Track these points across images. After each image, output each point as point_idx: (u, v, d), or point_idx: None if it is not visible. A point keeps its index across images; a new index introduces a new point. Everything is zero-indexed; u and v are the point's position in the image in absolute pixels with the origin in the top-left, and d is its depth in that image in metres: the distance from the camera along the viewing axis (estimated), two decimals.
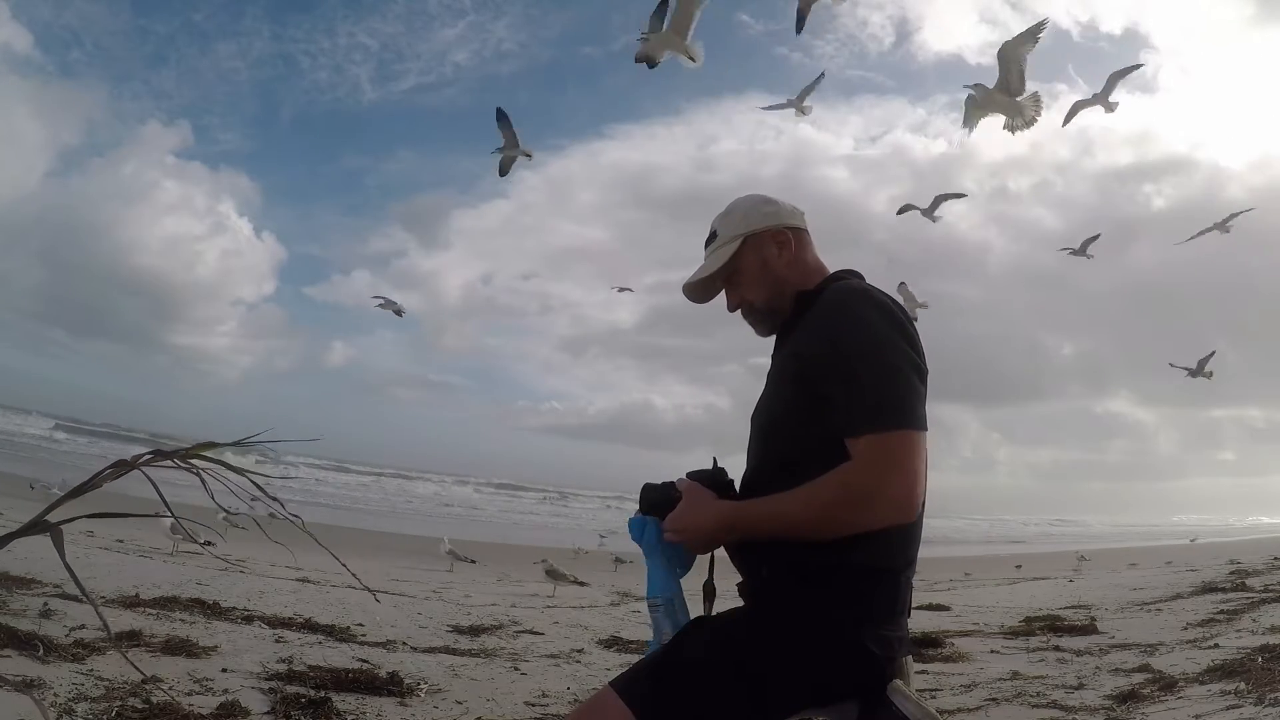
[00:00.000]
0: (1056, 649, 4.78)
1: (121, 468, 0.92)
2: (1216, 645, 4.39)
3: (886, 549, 1.34)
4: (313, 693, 3.19)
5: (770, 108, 7.90)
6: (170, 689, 2.95)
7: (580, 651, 4.77)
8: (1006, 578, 11.23)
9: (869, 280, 1.54)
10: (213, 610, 4.56)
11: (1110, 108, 7.05)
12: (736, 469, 1.50)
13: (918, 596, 1.64)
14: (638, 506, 1.49)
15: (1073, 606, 6.75)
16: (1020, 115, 5.20)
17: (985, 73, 5.22)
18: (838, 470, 1.29)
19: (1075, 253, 9.62)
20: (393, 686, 3.43)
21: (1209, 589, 7.24)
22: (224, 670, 3.41)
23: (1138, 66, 7.49)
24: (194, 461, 0.95)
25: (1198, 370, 10.60)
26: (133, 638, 3.63)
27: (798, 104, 7.55)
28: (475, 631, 5.10)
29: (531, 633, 5.25)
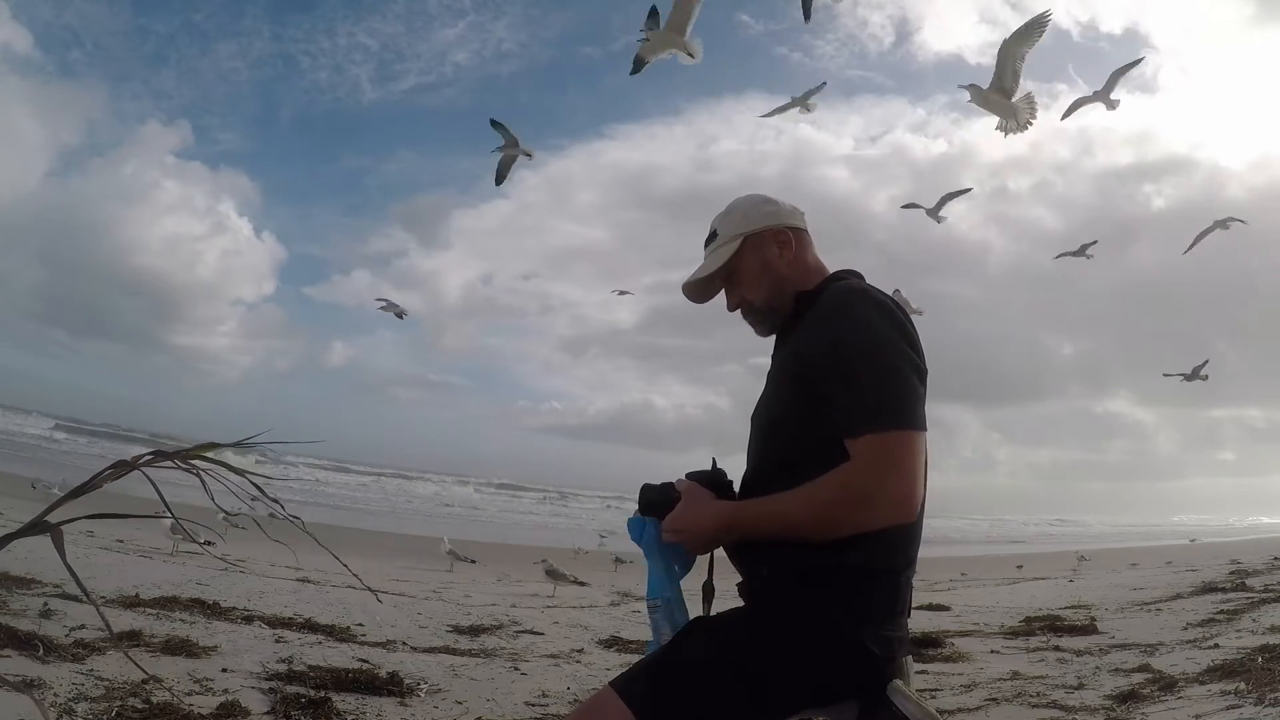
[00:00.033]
0: (1056, 649, 4.78)
1: (122, 468, 0.92)
2: (1216, 645, 4.39)
3: (886, 549, 1.34)
4: (313, 693, 3.19)
5: (774, 112, 7.84)
6: (171, 689, 2.95)
7: (580, 651, 4.77)
8: (1007, 578, 11.24)
9: (869, 280, 1.54)
10: (213, 610, 4.57)
11: (1112, 105, 7.04)
12: (736, 469, 1.50)
13: (918, 596, 1.64)
14: (636, 507, 1.49)
15: (1073, 606, 6.75)
16: (1014, 117, 5.19)
17: (986, 73, 5.21)
18: (837, 470, 1.29)
19: (1074, 254, 9.62)
20: (393, 686, 3.43)
21: (1209, 589, 7.24)
22: (224, 670, 3.41)
23: (1139, 61, 7.49)
24: (194, 462, 0.95)
25: (1192, 375, 10.64)
26: (133, 638, 3.63)
27: (802, 101, 7.54)
28: (475, 631, 5.10)
29: (531, 633, 5.26)
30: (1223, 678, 3.51)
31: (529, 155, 7.69)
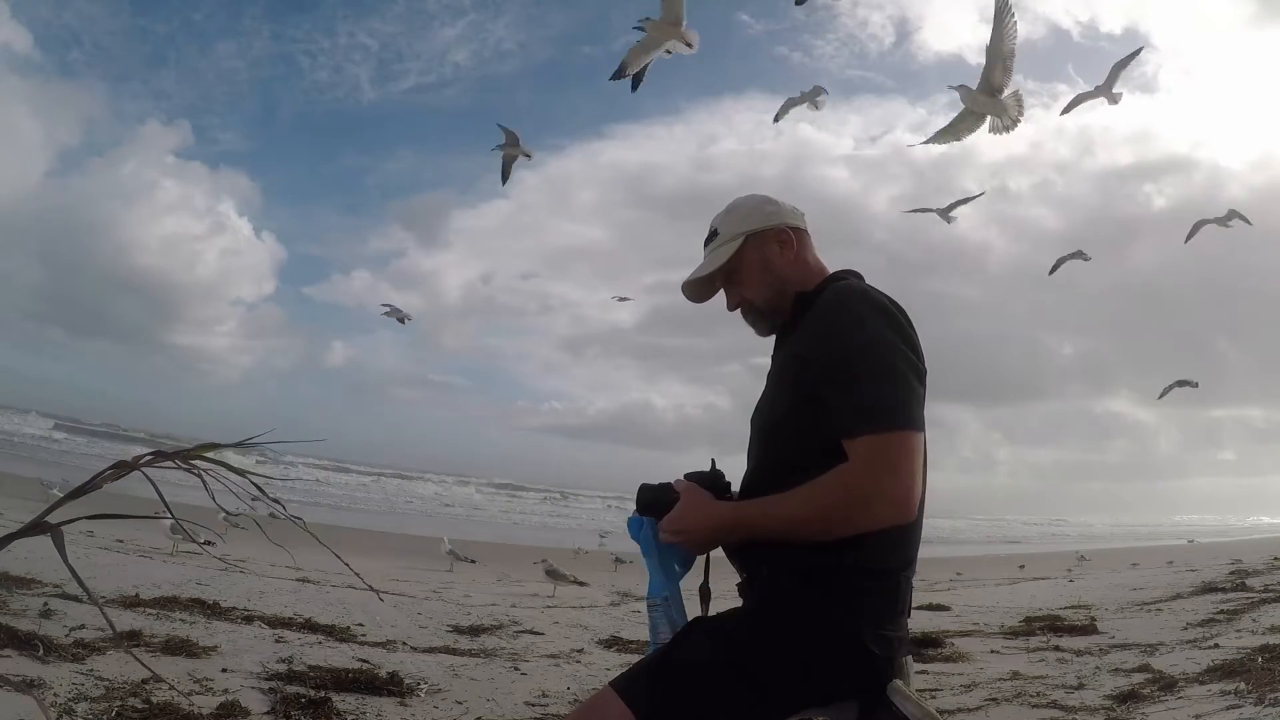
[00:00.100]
0: (1056, 649, 4.78)
1: (122, 468, 0.92)
2: (1216, 645, 4.39)
3: (886, 549, 1.34)
4: (313, 693, 3.19)
5: (784, 108, 7.80)
6: (174, 687, 2.95)
7: (580, 651, 4.77)
8: (1007, 578, 11.24)
9: (869, 280, 1.54)
10: (213, 610, 4.57)
11: (1114, 99, 7.02)
12: (736, 470, 1.50)
13: (918, 596, 1.64)
14: (635, 506, 1.49)
15: (1073, 606, 6.75)
16: (1005, 114, 5.20)
17: (983, 71, 5.21)
18: (836, 471, 1.30)
19: (1071, 257, 9.61)
20: (393, 686, 3.43)
21: (1209, 589, 7.24)
22: (224, 670, 3.41)
23: (1138, 52, 7.47)
24: (195, 462, 0.95)
25: (1184, 381, 10.68)
26: (133, 638, 3.63)
27: (810, 97, 7.54)
28: (475, 631, 5.10)
29: (531, 633, 5.26)
30: (1223, 678, 3.51)
31: (528, 156, 7.71)
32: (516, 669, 4.17)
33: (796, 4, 5.98)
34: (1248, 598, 6.39)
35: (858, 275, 1.56)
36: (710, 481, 1.46)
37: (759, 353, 1.63)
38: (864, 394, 1.31)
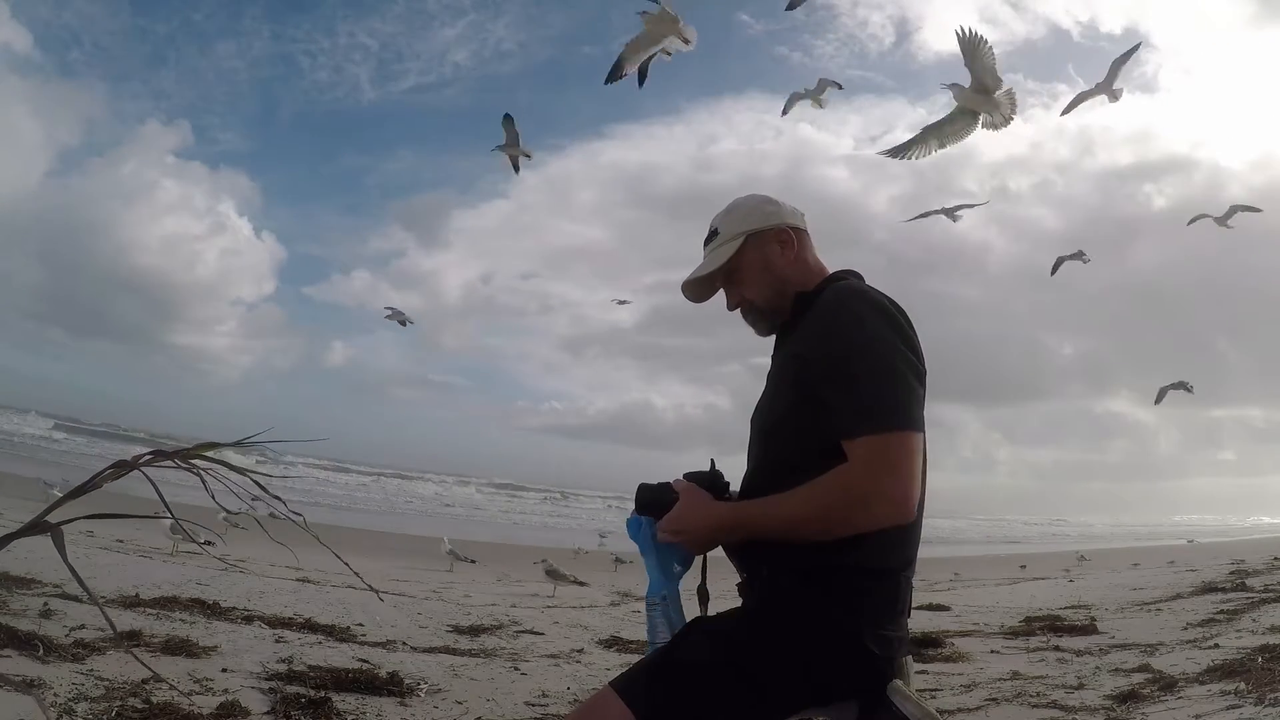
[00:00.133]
0: (1056, 649, 4.78)
1: (122, 468, 0.92)
2: (1216, 645, 4.39)
3: (886, 549, 1.34)
4: (313, 693, 3.19)
5: (788, 104, 7.82)
6: (175, 686, 2.95)
7: (580, 651, 4.77)
8: (1007, 578, 11.24)
9: (869, 280, 1.54)
10: (213, 610, 4.56)
11: (1114, 96, 7.01)
12: (736, 470, 1.50)
13: (918, 596, 1.64)
14: (634, 506, 1.49)
15: (1073, 606, 6.75)
16: (998, 111, 5.21)
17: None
18: (835, 472, 1.30)
19: (1071, 258, 9.61)
20: (393, 686, 3.43)
21: (1209, 589, 7.24)
22: (224, 670, 3.41)
23: (1137, 48, 7.46)
24: (195, 462, 0.95)
25: (1178, 384, 10.68)
26: (133, 638, 3.63)
27: (815, 95, 7.54)
28: (475, 631, 5.10)
29: (531, 633, 5.26)
30: (1223, 678, 3.51)
31: (528, 156, 7.72)
32: (516, 669, 4.17)
33: (788, 9, 6.00)
34: (1248, 598, 6.38)
35: (858, 275, 1.56)
36: (709, 481, 1.46)
37: (759, 353, 1.63)
38: (863, 394, 1.31)
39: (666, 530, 1.42)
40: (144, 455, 0.92)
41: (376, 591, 1.48)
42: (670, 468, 1.52)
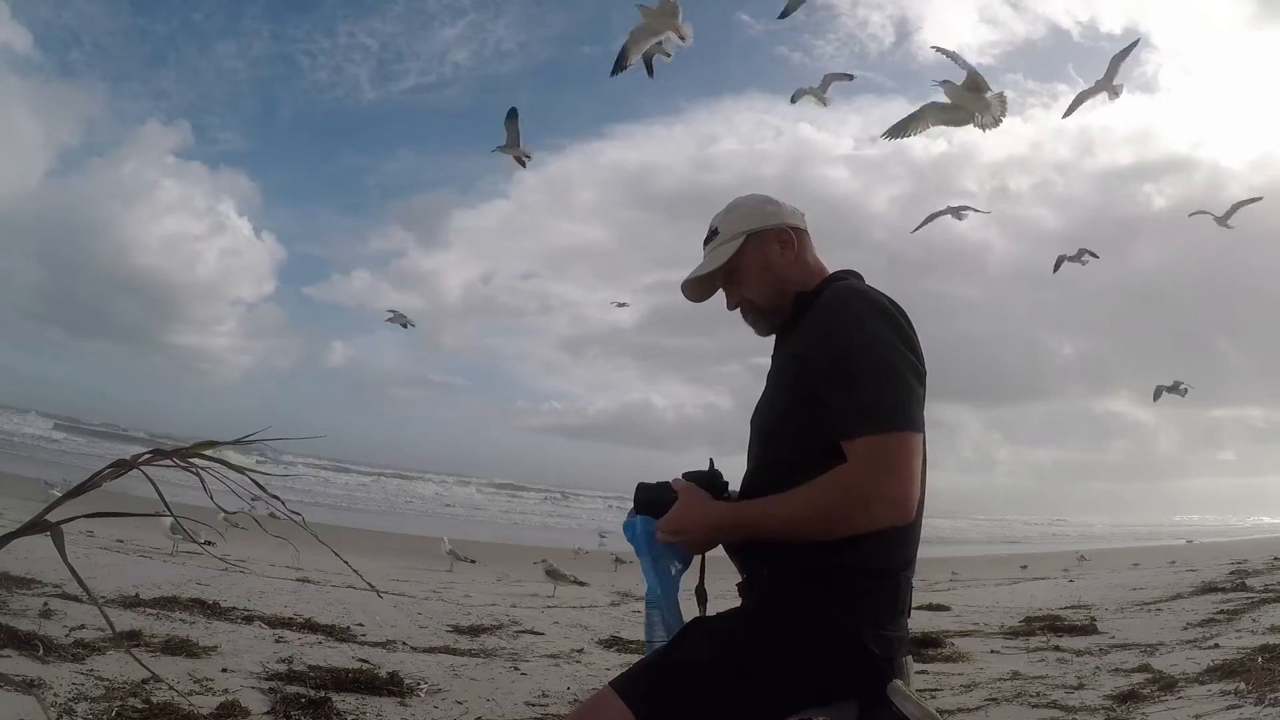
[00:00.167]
0: (1056, 649, 4.78)
1: (121, 467, 0.92)
2: (1216, 645, 4.39)
3: (885, 549, 1.34)
4: (313, 693, 3.19)
5: (796, 96, 7.85)
6: (174, 687, 2.95)
7: (580, 651, 4.77)
8: (1007, 578, 11.24)
9: (869, 280, 1.54)
10: (213, 610, 4.56)
11: (1115, 92, 7.00)
12: (736, 470, 1.50)
13: (918, 596, 1.64)
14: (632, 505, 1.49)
15: (1073, 606, 6.75)
16: (987, 111, 5.22)
17: (986, 73, 5.22)
18: (834, 472, 1.30)
19: (1071, 259, 9.60)
20: (393, 686, 3.43)
21: (1209, 589, 7.24)
22: (224, 670, 3.41)
23: (1135, 44, 7.46)
24: (194, 461, 0.95)
25: (1172, 388, 10.67)
26: (133, 638, 3.63)
27: (819, 93, 7.55)
28: (475, 631, 5.10)
29: (531, 633, 5.26)
30: (1223, 678, 3.51)
31: (528, 157, 7.71)
32: (516, 669, 4.17)
33: (781, 16, 6.01)
34: (1248, 598, 6.38)
35: (858, 275, 1.56)
36: (708, 481, 1.46)
37: (759, 353, 1.63)
38: (863, 394, 1.31)
39: (665, 530, 1.42)
40: (143, 454, 0.92)
41: (375, 590, 1.48)
42: (670, 468, 1.51)
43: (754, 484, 1.46)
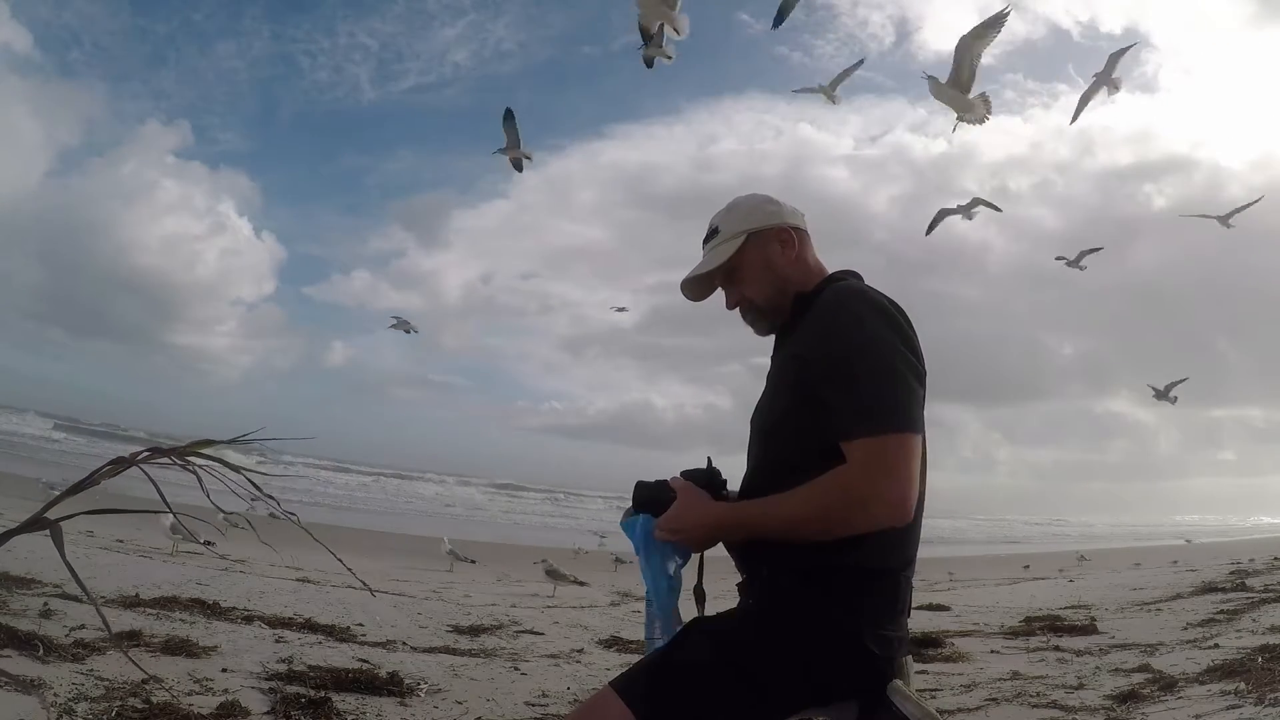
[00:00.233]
0: (1056, 649, 4.78)
1: (120, 465, 0.92)
2: (1216, 645, 4.39)
3: (885, 549, 1.34)
4: (313, 693, 3.18)
5: (801, 90, 7.90)
6: (170, 689, 2.95)
7: (580, 651, 4.77)
8: (1007, 577, 11.24)
9: (869, 281, 1.54)
10: (213, 610, 4.56)
11: (1115, 86, 7.01)
12: (735, 469, 1.50)
13: (918, 596, 1.64)
14: (631, 504, 1.49)
15: (1073, 606, 6.75)
16: (972, 112, 5.22)
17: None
18: (833, 473, 1.29)
19: (1070, 263, 9.62)
20: (393, 686, 3.43)
21: (1209, 589, 7.24)
22: (224, 670, 3.41)
23: (1132, 46, 7.49)
24: (192, 460, 0.95)
25: (1163, 393, 10.67)
26: (133, 638, 3.63)
27: (829, 91, 7.55)
28: (475, 631, 5.10)
29: (531, 633, 5.25)
30: (1223, 678, 3.50)
31: (528, 158, 7.72)
32: (516, 669, 4.17)
33: (774, 27, 6.02)
34: (1248, 598, 6.38)
35: (857, 275, 1.56)
36: (706, 479, 1.46)
37: (759, 353, 1.62)
38: (862, 395, 1.31)
39: (665, 529, 1.42)
40: (142, 452, 0.92)
41: (369, 588, 1.48)
42: (670, 468, 1.50)
43: (754, 484, 1.46)
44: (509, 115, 7.37)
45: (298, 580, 6.47)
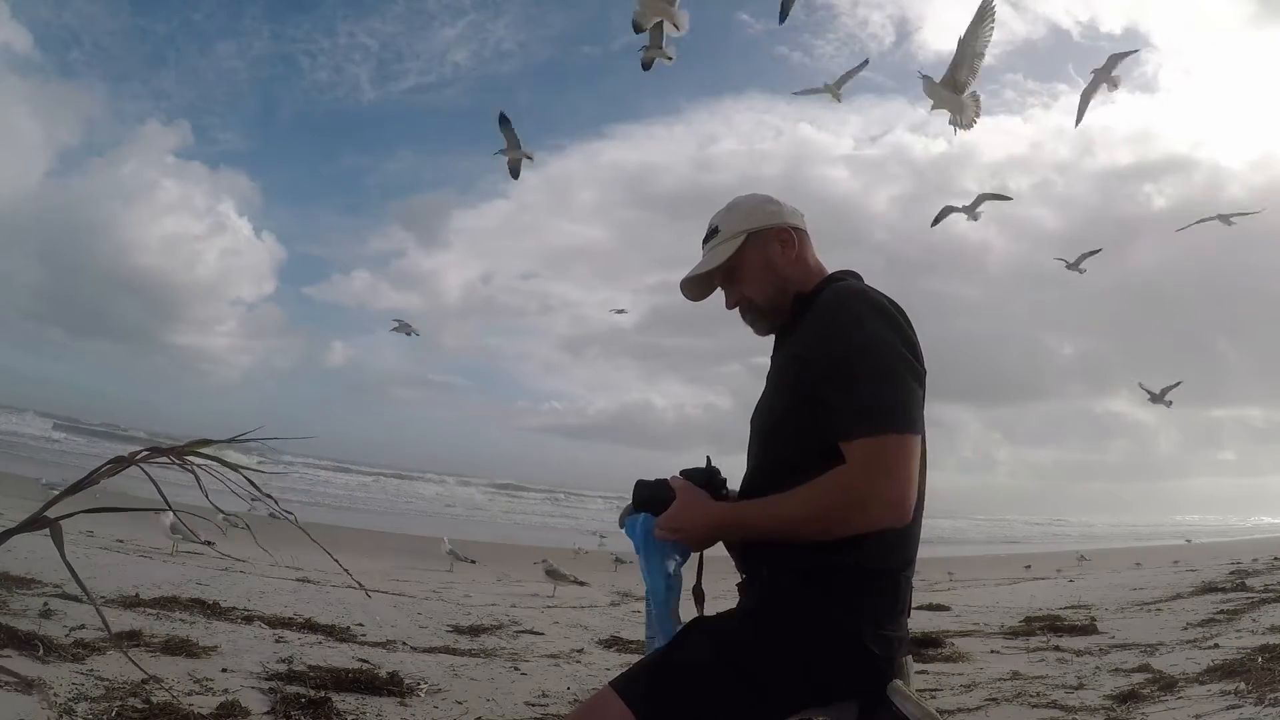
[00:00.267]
0: (1056, 649, 4.78)
1: (119, 464, 0.92)
2: (1216, 645, 4.39)
3: (885, 549, 1.34)
4: (313, 693, 3.18)
5: (803, 92, 7.93)
6: (170, 689, 2.95)
7: (580, 651, 4.77)
8: (1007, 577, 11.24)
9: (868, 281, 1.54)
10: (213, 610, 4.56)
11: (1114, 84, 7.03)
12: (735, 469, 1.50)
13: (918, 596, 1.64)
14: (630, 503, 1.49)
15: (1073, 606, 6.74)
16: (964, 113, 5.22)
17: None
18: (832, 473, 1.29)
19: (1070, 266, 9.63)
20: (393, 686, 3.43)
21: (1209, 589, 7.23)
22: (224, 670, 3.41)
23: (1134, 52, 7.51)
24: (191, 459, 0.95)
25: (1158, 397, 10.69)
26: (133, 638, 3.63)
27: (834, 89, 7.55)
28: (475, 631, 5.10)
29: (531, 633, 5.25)
30: (1223, 678, 3.50)
31: (529, 158, 7.73)
32: (516, 669, 4.16)
33: (780, 21, 6.02)
34: (1248, 598, 6.38)
35: (857, 276, 1.56)
36: (705, 479, 1.46)
37: (759, 353, 1.62)
38: (862, 395, 1.31)
39: (664, 528, 1.42)
40: (141, 452, 0.92)
41: (363, 588, 1.48)
42: (670, 468, 1.51)
43: (754, 484, 1.46)
44: (504, 119, 7.37)
45: (298, 580, 6.47)
